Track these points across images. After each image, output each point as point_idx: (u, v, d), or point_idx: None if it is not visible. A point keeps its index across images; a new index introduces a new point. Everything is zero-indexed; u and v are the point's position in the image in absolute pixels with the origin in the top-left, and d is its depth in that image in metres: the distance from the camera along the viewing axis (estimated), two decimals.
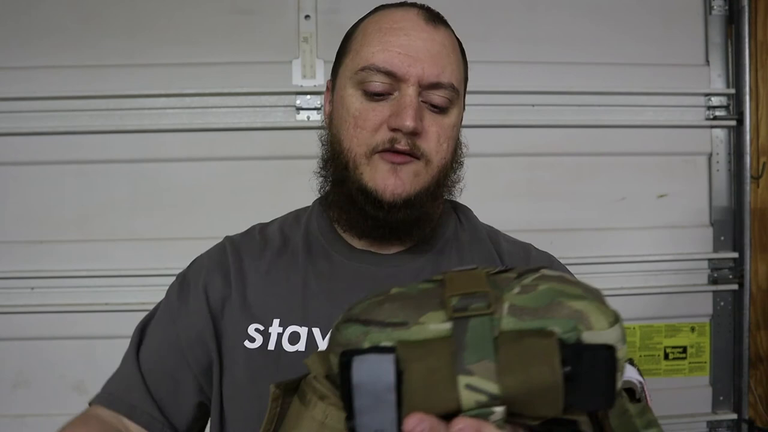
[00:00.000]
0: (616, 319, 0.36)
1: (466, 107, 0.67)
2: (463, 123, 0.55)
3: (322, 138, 0.66)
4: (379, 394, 0.36)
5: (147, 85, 1.24)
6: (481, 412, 0.34)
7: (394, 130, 0.58)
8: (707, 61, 1.37)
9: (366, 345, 0.36)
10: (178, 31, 1.26)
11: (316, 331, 0.60)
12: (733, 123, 1.36)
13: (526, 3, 1.32)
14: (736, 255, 1.37)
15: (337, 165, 0.62)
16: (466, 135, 0.68)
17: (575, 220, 1.32)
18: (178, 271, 0.68)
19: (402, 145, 0.58)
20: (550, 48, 1.31)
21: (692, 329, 1.37)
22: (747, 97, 1.35)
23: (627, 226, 1.34)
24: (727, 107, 1.37)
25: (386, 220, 0.59)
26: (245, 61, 1.25)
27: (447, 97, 0.60)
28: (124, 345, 0.66)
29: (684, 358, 1.37)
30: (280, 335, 0.60)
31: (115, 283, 1.23)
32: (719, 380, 1.39)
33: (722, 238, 1.38)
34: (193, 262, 0.69)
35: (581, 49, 1.32)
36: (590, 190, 1.34)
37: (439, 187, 0.61)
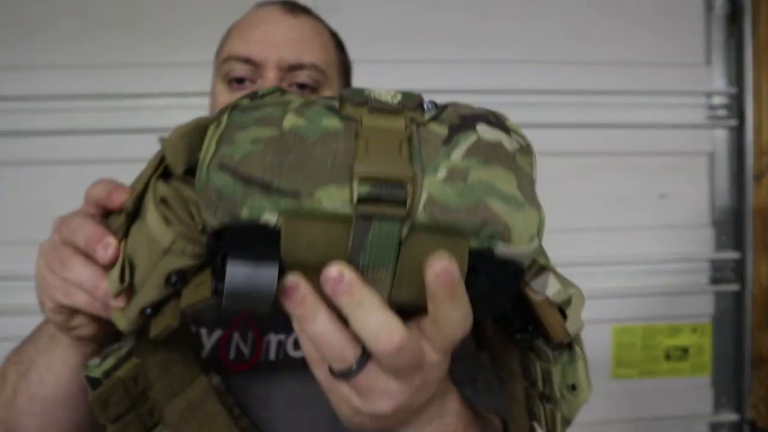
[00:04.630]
0: (538, 228, 0.32)
1: None
2: None
3: None
4: (255, 302, 0.31)
5: (147, 85, 1.24)
6: None
7: None
8: (709, 60, 1.36)
9: (244, 214, 0.30)
10: (178, 31, 1.26)
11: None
12: (735, 122, 1.35)
13: (526, 2, 1.31)
14: (737, 255, 1.36)
15: None
16: None
17: (575, 220, 1.32)
18: None
19: None
20: (549, 47, 1.31)
21: (693, 330, 1.37)
22: (749, 97, 1.34)
23: (627, 226, 1.34)
24: (728, 107, 1.37)
25: None
26: None
27: (313, 77, 0.60)
28: None
29: (685, 359, 1.37)
30: None
31: None
32: (721, 381, 1.38)
33: (723, 238, 1.37)
34: None
35: (581, 49, 1.32)
36: (590, 190, 1.33)
37: None
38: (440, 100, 0.35)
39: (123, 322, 0.38)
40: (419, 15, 1.28)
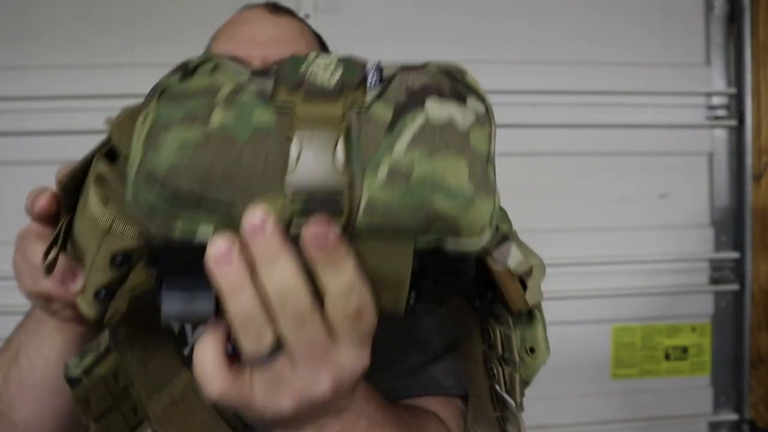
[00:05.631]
0: (490, 217, 0.30)
1: None
2: None
3: None
4: (193, 323, 0.34)
5: (147, 84, 1.23)
6: None
7: None
8: (708, 61, 1.37)
9: (179, 228, 0.29)
10: (178, 31, 1.26)
11: None
12: (734, 123, 1.35)
13: (526, 2, 1.32)
14: (737, 255, 1.36)
15: None
16: None
17: (575, 220, 1.32)
18: None
19: None
20: (549, 47, 1.31)
21: (693, 329, 1.37)
22: (748, 97, 1.34)
23: (627, 226, 1.34)
24: (728, 107, 1.37)
25: None
26: None
27: None
28: None
29: (685, 359, 1.37)
30: None
31: None
32: (720, 381, 1.38)
33: (723, 238, 1.37)
34: None
35: (581, 49, 1.32)
36: (590, 190, 1.33)
37: None
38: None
39: (84, 306, 0.37)
40: (419, 15, 1.28)
